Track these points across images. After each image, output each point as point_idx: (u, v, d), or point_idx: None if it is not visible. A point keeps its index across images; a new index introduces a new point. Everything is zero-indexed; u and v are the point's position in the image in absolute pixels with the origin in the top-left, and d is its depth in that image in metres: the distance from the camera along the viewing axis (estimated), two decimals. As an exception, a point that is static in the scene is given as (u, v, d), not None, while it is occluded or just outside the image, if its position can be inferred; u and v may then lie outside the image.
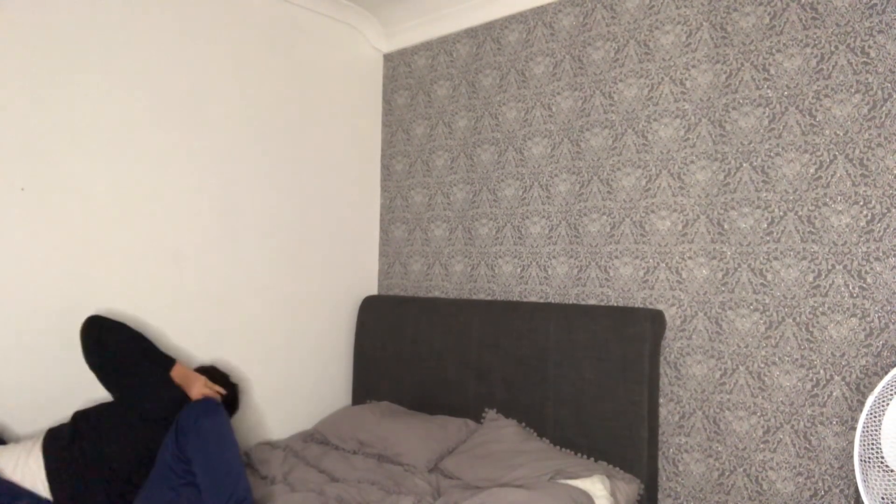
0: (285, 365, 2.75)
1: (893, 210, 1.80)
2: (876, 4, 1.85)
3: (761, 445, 2.00)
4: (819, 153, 1.93)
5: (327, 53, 2.94)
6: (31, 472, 1.72)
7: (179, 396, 1.93)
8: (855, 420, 1.83)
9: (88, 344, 1.90)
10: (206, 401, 1.87)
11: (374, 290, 3.17)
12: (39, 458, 1.74)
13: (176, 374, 1.97)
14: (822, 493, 1.88)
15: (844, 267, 1.87)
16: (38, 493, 1.70)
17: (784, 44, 2.00)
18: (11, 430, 1.96)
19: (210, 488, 1.69)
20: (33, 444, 1.79)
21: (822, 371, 1.90)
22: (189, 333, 2.40)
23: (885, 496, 1.44)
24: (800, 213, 1.95)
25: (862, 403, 1.82)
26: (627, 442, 2.11)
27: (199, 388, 1.96)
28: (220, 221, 2.51)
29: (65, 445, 1.78)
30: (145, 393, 1.91)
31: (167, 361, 1.98)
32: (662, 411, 2.20)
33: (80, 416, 1.88)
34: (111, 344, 1.91)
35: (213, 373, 2.22)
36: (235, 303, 2.56)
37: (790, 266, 1.96)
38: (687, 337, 2.16)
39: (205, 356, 2.44)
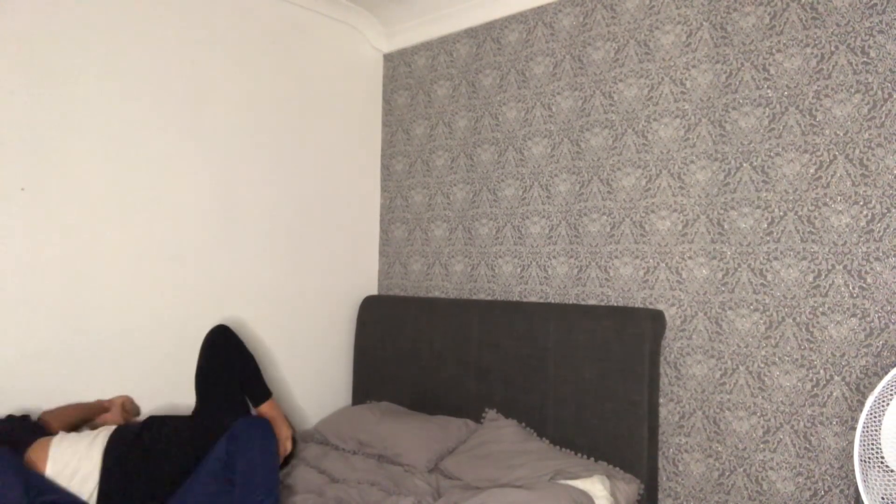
0: (285, 365, 2.74)
1: (893, 210, 1.80)
2: (876, 4, 1.85)
3: (761, 445, 2.00)
4: (819, 153, 1.92)
5: (327, 53, 2.94)
6: (90, 462, 1.74)
7: None
8: (855, 420, 1.83)
9: (206, 348, 1.94)
10: (263, 420, 1.89)
11: (374, 290, 3.17)
12: (101, 451, 1.76)
13: (265, 409, 1.97)
14: (822, 493, 1.88)
15: (844, 267, 1.87)
16: (76, 492, 1.70)
17: (784, 44, 2.00)
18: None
19: (244, 492, 1.73)
20: (96, 436, 1.81)
21: (822, 371, 1.90)
22: (189, 334, 2.40)
23: (885, 496, 1.44)
24: (800, 213, 1.95)
25: (862, 403, 1.82)
26: (627, 442, 2.11)
27: (281, 434, 1.97)
28: (219, 221, 2.51)
29: (127, 445, 1.80)
30: (223, 413, 1.92)
31: (262, 394, 1.99)
32: (662, 411, 2.20)
33: (152, 422, 1.90)
34: (222, 355, 1.93)
35: None
36: (236, 302, 2.56)
37: (790, 266, 1.96)
38: (687, 337, 2.16)
39: (205, 356, 2.44)
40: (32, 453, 1.72)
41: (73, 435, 1.82)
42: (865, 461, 1.47)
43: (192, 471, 1.83)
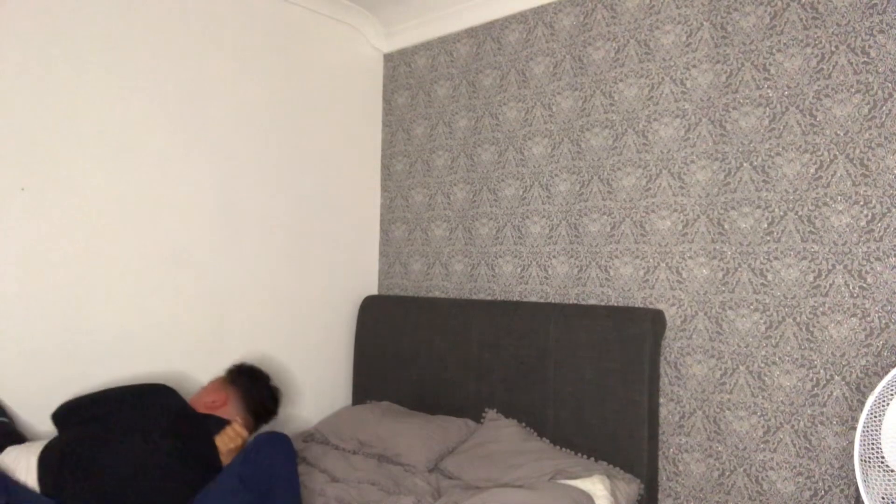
0: (286, 365, 2.74)
1: (894, 210, 1.80)
2: (876, 4, 1.85)
3: (761, 445, 2.00)
4: (819, 153, 1.92)
5: (327, 53, 2.94)
6: (31, 471, 1.68)
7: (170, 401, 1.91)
8: (855, 420, 1.83)
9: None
10: (281, 434, 1.83)
11: (374, 290, 3.17)
12: (35, 471, 1.67)
13: None
14: (823, 493, 1.88)
15: (845, 267, 1.87)
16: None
17: (784, 44, 2.00)
18: (32, 428, 1.96)
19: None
20: (39, 446, 1.74)
21: (822, 371, 1.90)
22: (189, 334, 2.40)
23: (885, 496, 1.44)
24: (800, 212, 1.95)
25: (862, 403, 1.82)
26: (627, 442, 2.11)
27: None
28: (219, 221, 2.51)
29: (61, 449, 1.71)
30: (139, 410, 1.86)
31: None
32: (662, 411, 2.20)
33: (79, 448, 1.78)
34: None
35: (251, 373, 2.21)
36: (235, 303, 2.56)
37: (790, 266, 1.96)
38: (687, 337, 2.16)
39: (205, 356, 2.44)
40: None
41: (21, 445, 1.74)
42: (866, 461, 1.47)
43: (133, 469, 1.71)
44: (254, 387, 2.19)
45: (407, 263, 3.05)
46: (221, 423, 1.95)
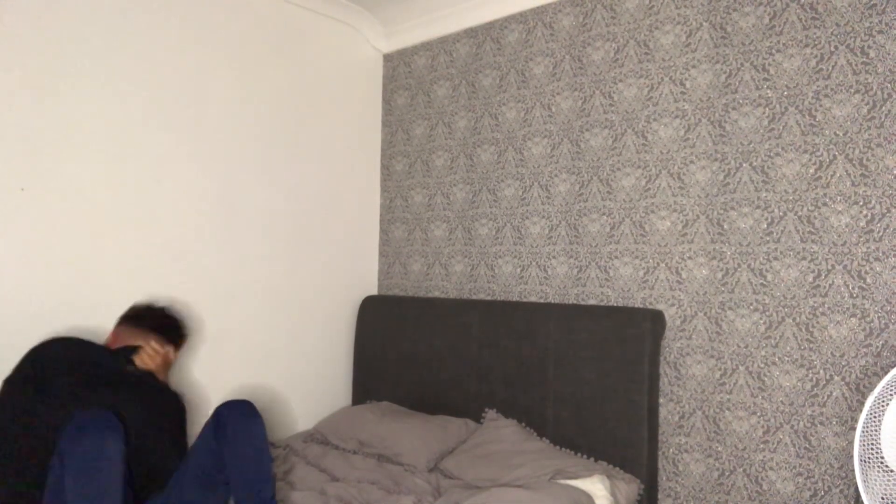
0: (285, 365, 2.75)
1: (893, 210, 1.80)
2: (876, 4, 1.85)
3: (761, 445, 2.00)
4: (819, 153, 1.93)
5: (327, 53, 2.94)
6: None
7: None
8: (855, 420, 1.83)
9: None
10: (248, 403, 1.84)
11: (374, 290, 3.17)
12: None
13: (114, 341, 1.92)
14: (822, 493, 1.88)
15: (844, 267, 1.87)
16: None
17: (784, 44, 2.00)
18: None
19: (239, 483, 1.72)
20: None
21: (821, 371, 1.90)
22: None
23: (885, 496, 1.45)
24: (800, 213, 1.95)
25: (862, 403, 1.82)
26: (627, 442, 2.11)
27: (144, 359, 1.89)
28: (219, 221, 2.51)
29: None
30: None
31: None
32: (662, 411, 2.20)
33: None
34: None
35: (163, 319, 2.09)
36: (235, 303, 2.56)
37: (790, 266, 1.96)
38: (687, 337, 2.16)
39: (204, 356, 2.44)
40: None
41: None
42: (865, 461, 1.47)
43: (164, 461, 1.80)
44: (136, 310, 2.09)
45: (407, 264, 3.05)
46: (135, 349, 1.92)
